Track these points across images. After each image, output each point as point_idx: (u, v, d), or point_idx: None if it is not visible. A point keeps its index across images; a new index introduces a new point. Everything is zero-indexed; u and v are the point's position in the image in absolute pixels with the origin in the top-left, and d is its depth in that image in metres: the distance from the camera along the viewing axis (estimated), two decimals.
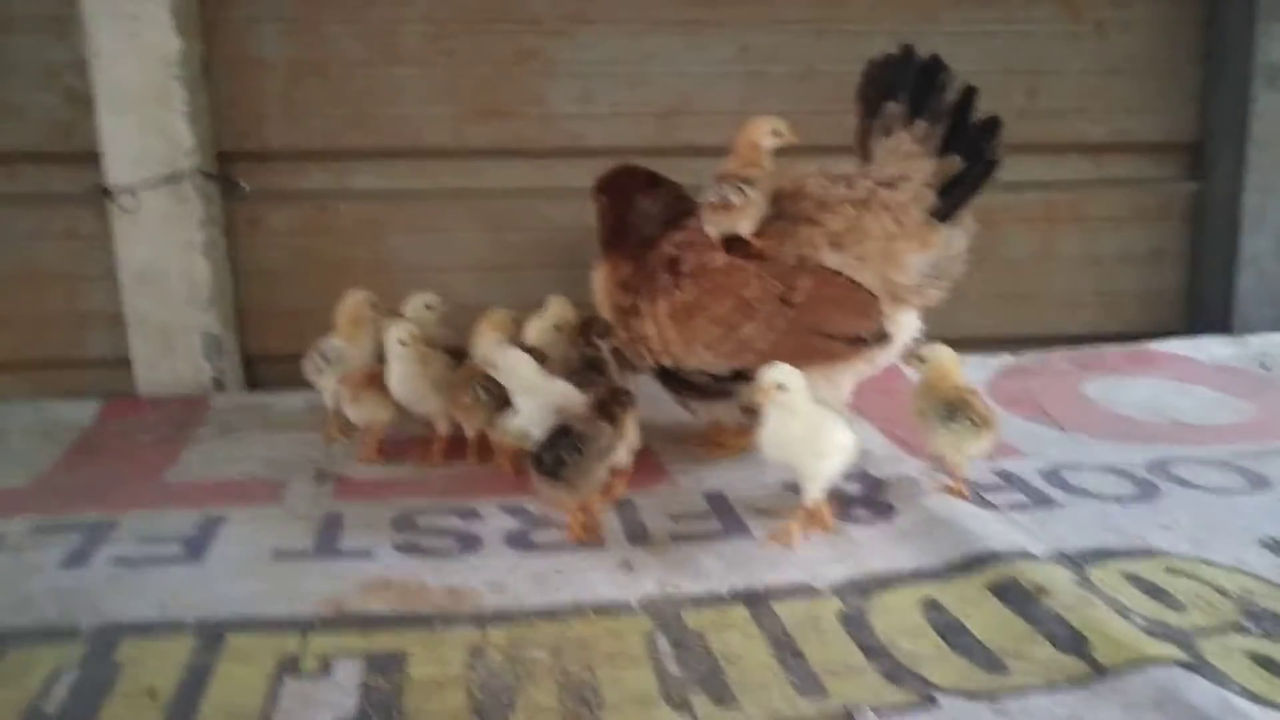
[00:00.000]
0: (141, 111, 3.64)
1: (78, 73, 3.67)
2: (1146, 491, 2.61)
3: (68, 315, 3.93)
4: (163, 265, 3.76)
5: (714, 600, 2.11)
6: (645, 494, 2.63)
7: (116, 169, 3.68)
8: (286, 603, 2.09)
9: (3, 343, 3.92)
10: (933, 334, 4.22)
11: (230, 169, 3.89)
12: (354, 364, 3.02)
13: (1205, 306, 4.23)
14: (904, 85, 2.73)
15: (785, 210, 2.74)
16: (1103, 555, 2.23)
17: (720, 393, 2.78)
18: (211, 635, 1.96)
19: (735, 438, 2.96)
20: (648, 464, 2.83)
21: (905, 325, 2.79)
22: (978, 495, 2.56)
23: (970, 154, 2.65)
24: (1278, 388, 3.43)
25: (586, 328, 2.91)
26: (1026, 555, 2.18)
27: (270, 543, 2.38)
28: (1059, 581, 2.06)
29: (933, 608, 2.04)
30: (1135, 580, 2.12)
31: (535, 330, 3.10)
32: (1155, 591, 2.07)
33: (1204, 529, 2.37)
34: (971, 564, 2.18)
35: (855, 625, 1.99)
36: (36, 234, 3.87)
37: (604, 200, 3.02)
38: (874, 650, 1.90)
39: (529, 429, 2.52)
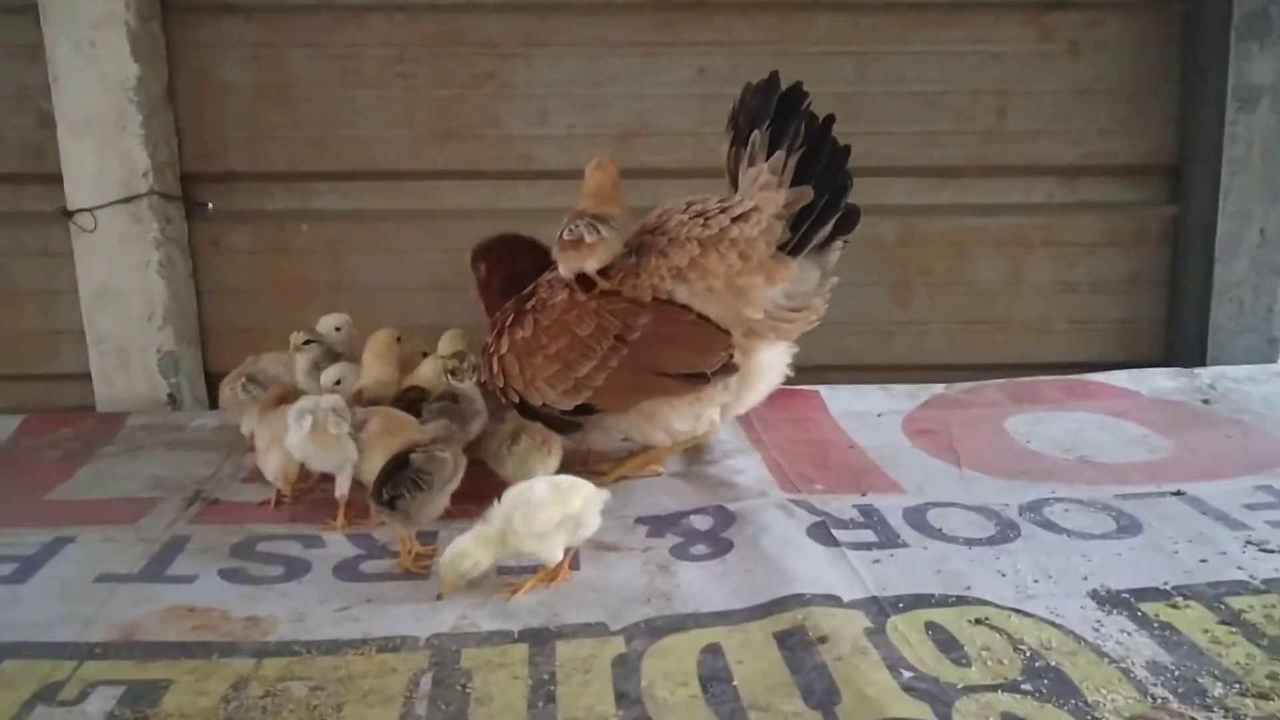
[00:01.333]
0: (99, 135, 3.77)
1: (48, 97, 3.81)
2: (1004, 535, 2.49)
3: (41, 331, 4.08)
4: (120, 284, 3.88)
5: (501, 638, 2.08)
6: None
7: (76, 190, 3.81)
8: (79, 628, 2.12)
9: None
10: (900, 360, 4.16)
11: (194, 190, 4.00)
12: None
13: (1182, 335, 4.03)
14: (767, 114, 2.69)
15: (643, 243, 2.74)
16: (917, 602, 2.13)
17: (570, 425, 2.79)
18: None
19: (614, 465, 2.96)
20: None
21: (770, 357, 2.77)
22: (826, 531, 2.48)
23: (822, 184, 2.63)
24: (1210, 424, 3.25)
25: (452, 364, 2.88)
26: (831, 600, 2.11)
27: (101, 566, 2.42)
28: (846, 630, 1.98)
29: (711, 653, 1.98)
30: (934, 630, 2.02)
31: (429, 367, 3.11)
32: (947, 644, 1.97)
33: (1039, 577, 2.26)
34: (772, 608, 2.11)
35: (625, 670, 1.94)
36: (11, 251, 4.04)
37: (481, 268, 3.07)
38: (628, 698, 1.85)
39: None
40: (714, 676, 1.89)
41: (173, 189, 3.93)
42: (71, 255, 3.92)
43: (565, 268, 2.72)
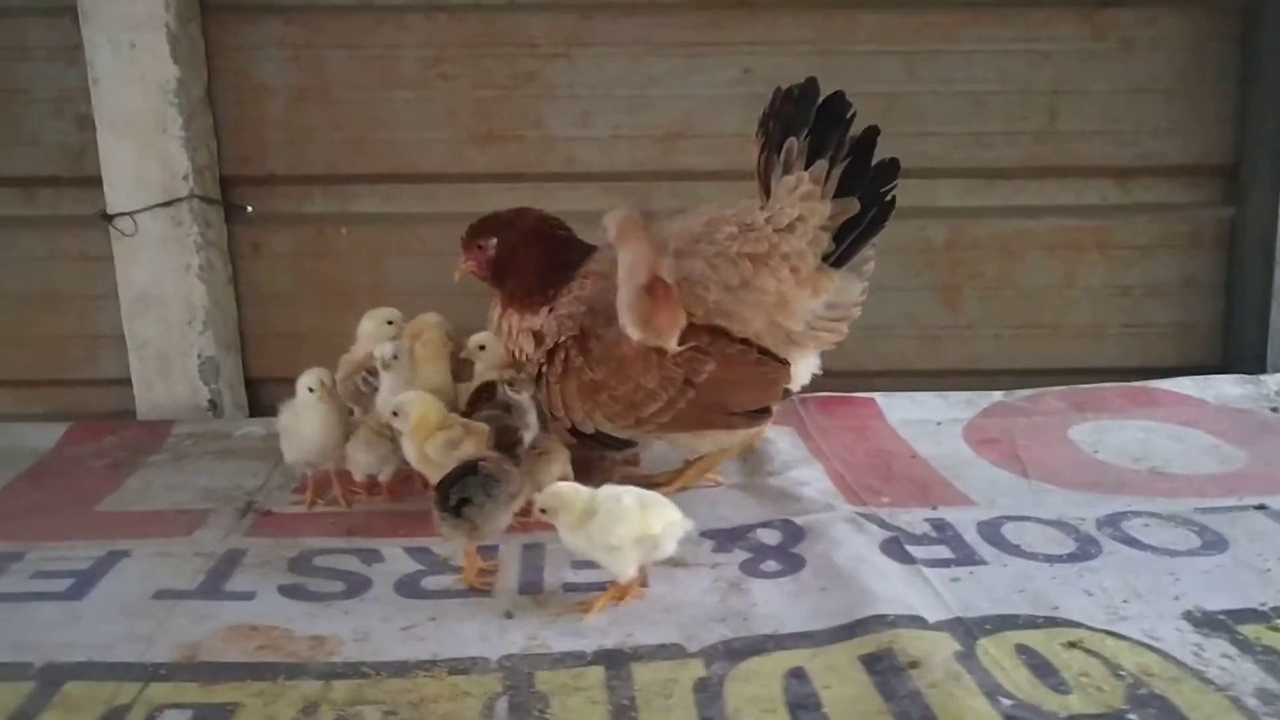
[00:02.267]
0: (139, 137, 3.72)
1: (87, 100, 3.77)
2: (1085, 551, 2.42)
3: (80, 335, 4.04)
4: (160, 289, 3.84)
5: (575, 660, 2.02)
6: (554, 537, 2.53)
7: (116, 194, 3.77)
8: (142, 648, 2.07)
9: (21, 362, 4.05)
10: (948, 365, 4.09)
11: (234, 193, 3.95)
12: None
13: (1240, 340, 3.94)
14: (805, 121, 2.63)
15: (689, 250, 2.72)
16: (1004, 623, 2.06)
17: (620, 444, 2.82)
18: (51, 681, 1.95)
19: (673, 476, 2.94)
20: None
21: (805, 365, 2.80)
22: (900, 547, 2.41)
23: (867, 197, 2.59)
24: None
25: (509, 374, 2.83)
26: (915, 621, 2.04)
27: (158, 581, 2.38)
28: (937, 654, 1.91)
29: (796, 677, 1.92)
30: (1026, 654, 1.95)
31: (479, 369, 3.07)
32: (1043, 669, 1.90)
33: (1129, 596, 2.18)
34: (855, 629, 2.04)
35: (708, 695, 1.88)
36: (50, 255, 4.00)
37: (505, 241, 2.92)
38: None
39: None
40: (801, 703, 1.83)
41: (212, 192, 3.89)
42: (110, 259, 3.89)
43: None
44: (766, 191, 2.74)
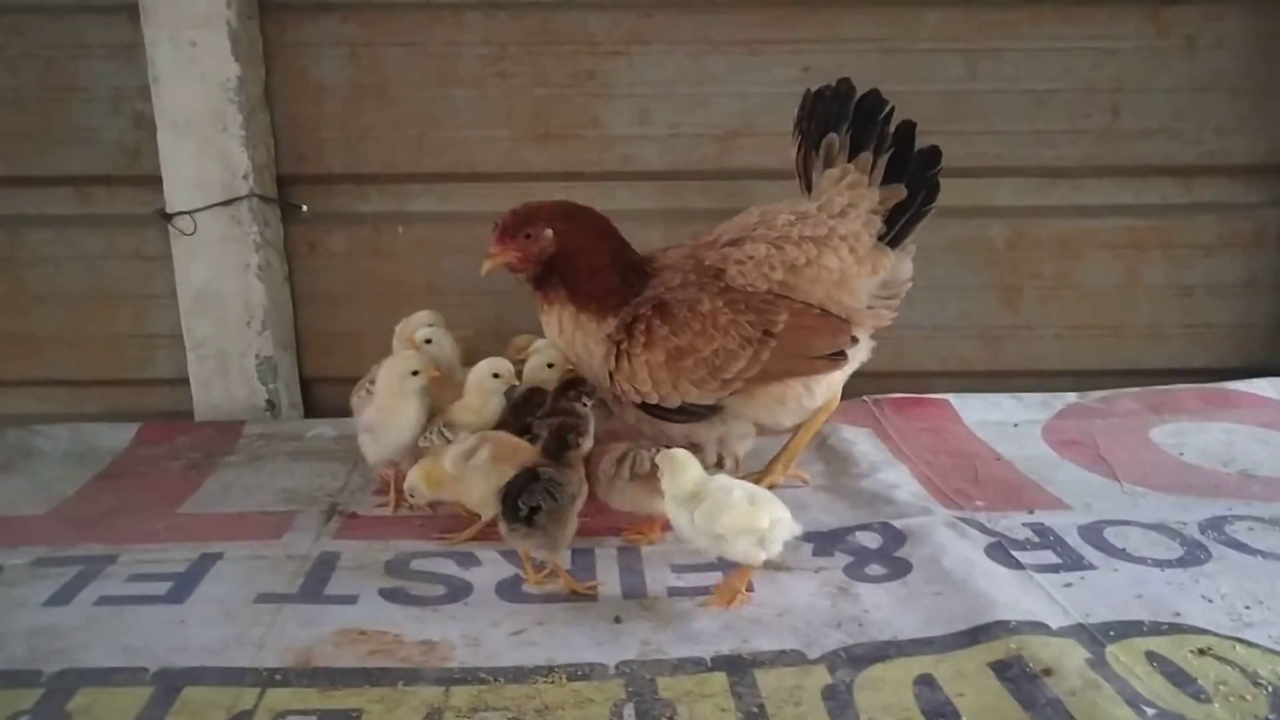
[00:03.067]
0: (199, 136, 3.70)
1: (144, 98, 3.75)
2: (1194, 555, 2.39)
3: (136, 335, 4.02)
4: (219, 288, 3.82)
5: (695, 666, 2.00)
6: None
7: (176, 192, 3.75)
8: (254, 652, 2.05)
9: (76, 361, 4.03)
10: (1008, 366, 4.06)
11: (290, 192, 3.93)
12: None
13: None
14: (844, 118, 2.84)
15: (746, 238, 2.84)
16: (1128, 630, 2.04)
17: (696, 417, 2.80)
18: (169, 686, 1.93)
19: (761, 474, 2.90)
20: None
21: (864, 345, 2.90)
22: (1005, 552, 2.38)
23: (913, 183, 2.79)
24: None
25: (570, 386, 2.74)
26: (1040, 627, 2.01)
27: (257, 585, 2.36)
28: (1069, 661, 1.89)
29: (927, 685, 1.89)
30: (1158, 661, 1.93)
31: (530, 369, 3.02)
32: (1178, 677, 1.88)
33: (1250, 602, 2.16)
34: (978, 635, 2.02)
35: (838, 703, 1.86)
36: (106, 255, 3.97)
37: (567, 234, 2.80)
38: None
39: None
40: (937, 711, 1.80)
41: (270, 191, 3.86)
42: (167, 258, 3.87)
43: None
44: (808, 187, 2.91)
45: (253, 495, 2.90)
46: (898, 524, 2.57)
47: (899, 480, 2.82)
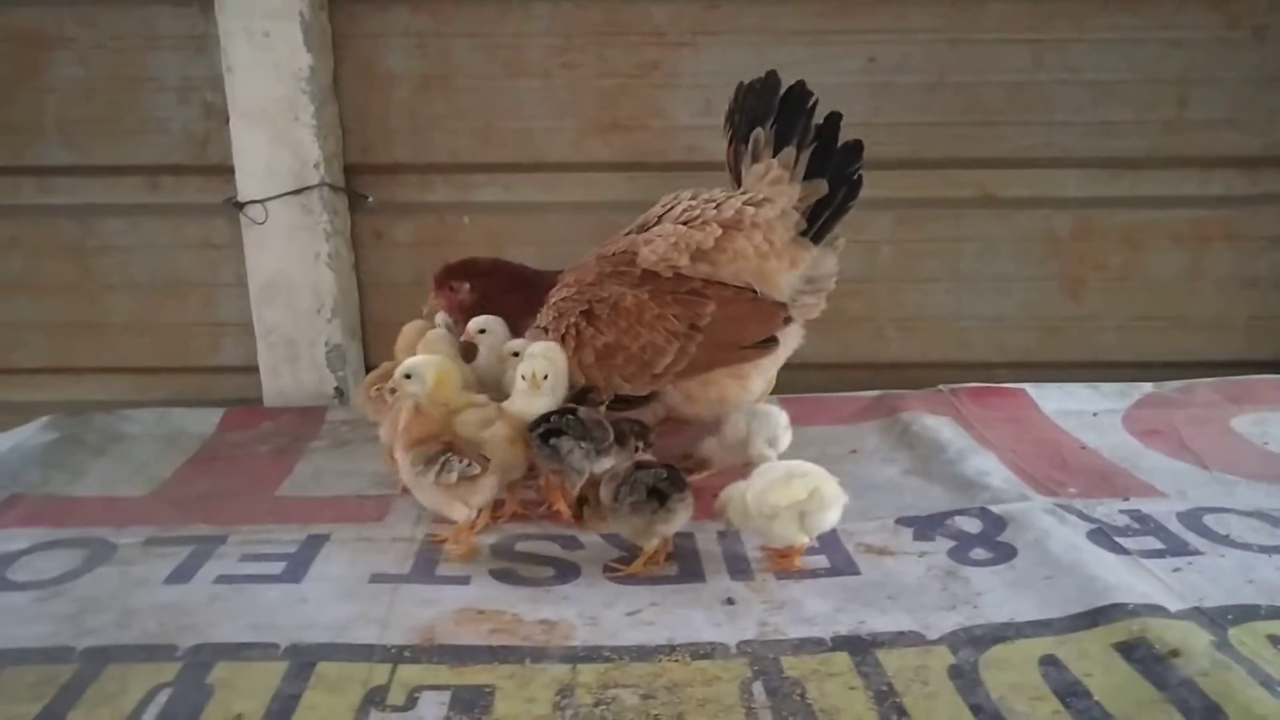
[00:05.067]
0: (272, 126, 3.73)
1: (214, 88, 3.78)
2: None
3: (203, 323, 4.05)
4: (289, 276, 3.85)
5: (816, 646, 2.01)
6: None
7: (247, 181, 3.78)
8: (379, 630, 2.07)
9: (143, 348, 4.07)
10: (1071, 357, 4.06)
11: (356, 181, 3.95)
12: None
13: None
14: (770, 112, 2.87)
15: (649, 224, 2.93)
16: (1246, 614, 2.03)
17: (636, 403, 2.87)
18: (302, 661, 1.96)
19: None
20: None
21: (794, 336, 2.93)
22: (1107, 538, 2.39)
23: (835, 178, 2.82)
24: None
25: (583, 395, 2.76)
26: (1159, 611, 2.02)
27: (368, 565, 2.38)
28: (1195, 643, 1.89)
29: (1053, 665, 1.90)
30: None
31: None
32: None
33: None
34: (1097, 617, 2.02)
35: (966, 682, 1.86)
36: (175, 244, 4.02)
37: (480, 288, 3.07)
38: (986, 711, 1.77)
39: None
40: (1069, 691, 1.81)
41: (339, 181, 3.89)
42: (235, 247, 3.91)
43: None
44: (738, 182, 2.94)
45: (345, 480, 2.92)
46: (996, 509, 2.58)
47: (989, 467, 2.82)
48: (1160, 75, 3.90)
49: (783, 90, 2.90)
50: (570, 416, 2.50)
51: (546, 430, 2.50)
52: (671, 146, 3.98)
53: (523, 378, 2.61)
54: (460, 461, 2.37)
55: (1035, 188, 3.99)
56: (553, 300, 2.91)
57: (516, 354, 2.81)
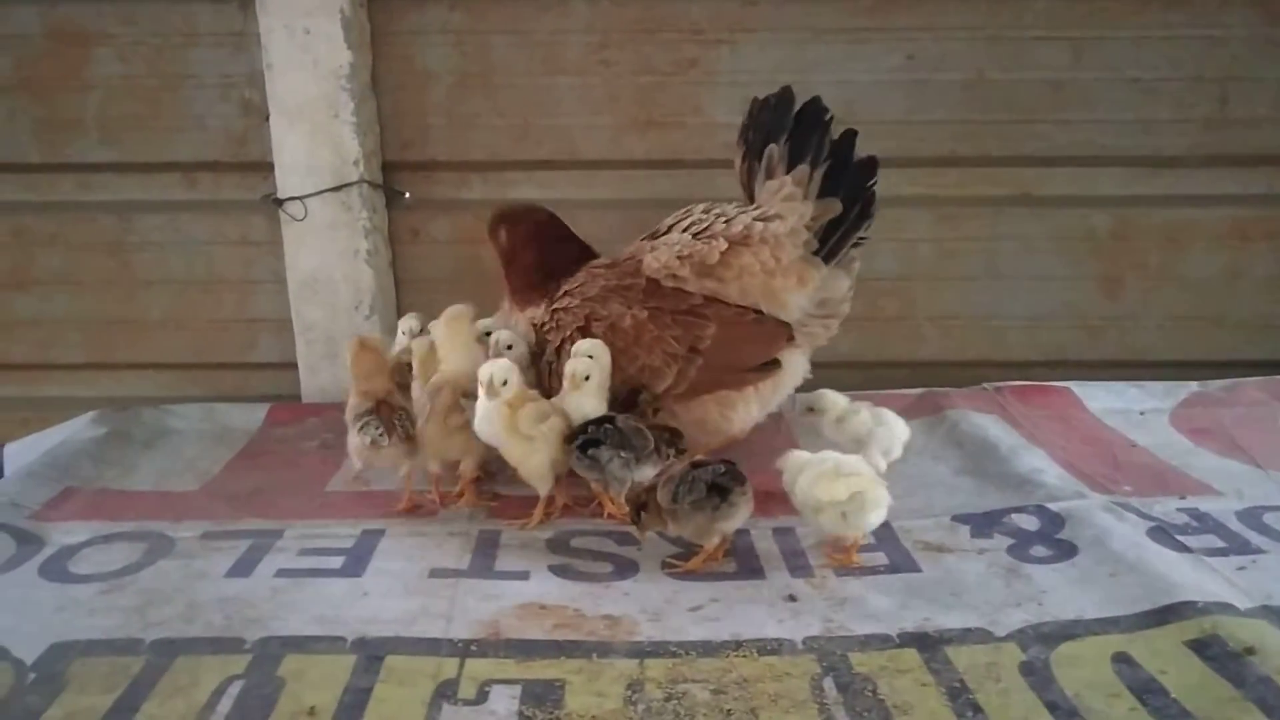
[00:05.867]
0: (312, 122, 3.73)
1: (252, 85, 3.79)
2: None
3: (239, 319, 4.06)
4: (328, 273, 3.85)
5: (883, 642, 2.01)
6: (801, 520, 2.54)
7: (287, 178, 3.78)
8: (444, 624, 2.08)
9: (180, 344, 4.08)
10: (1109, 356, 4.05)
11: (394, 179, 3.95)
12: None
13: None
14: (784, 128, 2.82)
15: (660, 236, 2.87)
16: None
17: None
18: (370, 655, 1.96)
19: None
20: None
21: (799, 363, 2.86)
22: (1168, 536, 2.38)
23: (849, 195, 2.75)
24: None
25: (632, 398, 2.75)
26: (1228, 608, 2.01)
27: (426, 560, 2.39)
28: (1270, 640, 1.89)
29: (1125, 663, 1.90)
30: None
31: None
32: None
33: None
34: (1166, 615, 2.02)
35: (1039, 679, 1.86)
36: (212, 240, 4.01)
37: (502, 234, 3.07)
38: (1062, 708, 1.77)
39: None
40: (1145, 688, 1.81)
41: (378, 178, 3.89)
42: (272, 244, 3.91)
43: None
44: (751, 198, 2.88)
45: (393, 476, 2.91)
46: (1053, 507, 2.57)
47: (1041, 465, 2.82)
48: (1201, 73, 3.88)
49: (797, 106, 2.86)
50: (608, 426, 2.49)
51: (585, 441, 2.49)
52: (708, 144, 3.96)
53: (568, 377, 2.60)
54: (376, 428, 2.46)
55: (1074, 186, 3.97)
56: (552, 306, 2.87)
57: (488, 334, 2.85)
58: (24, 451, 3.14)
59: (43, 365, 4.08)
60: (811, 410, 2.73)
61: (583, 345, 2.68)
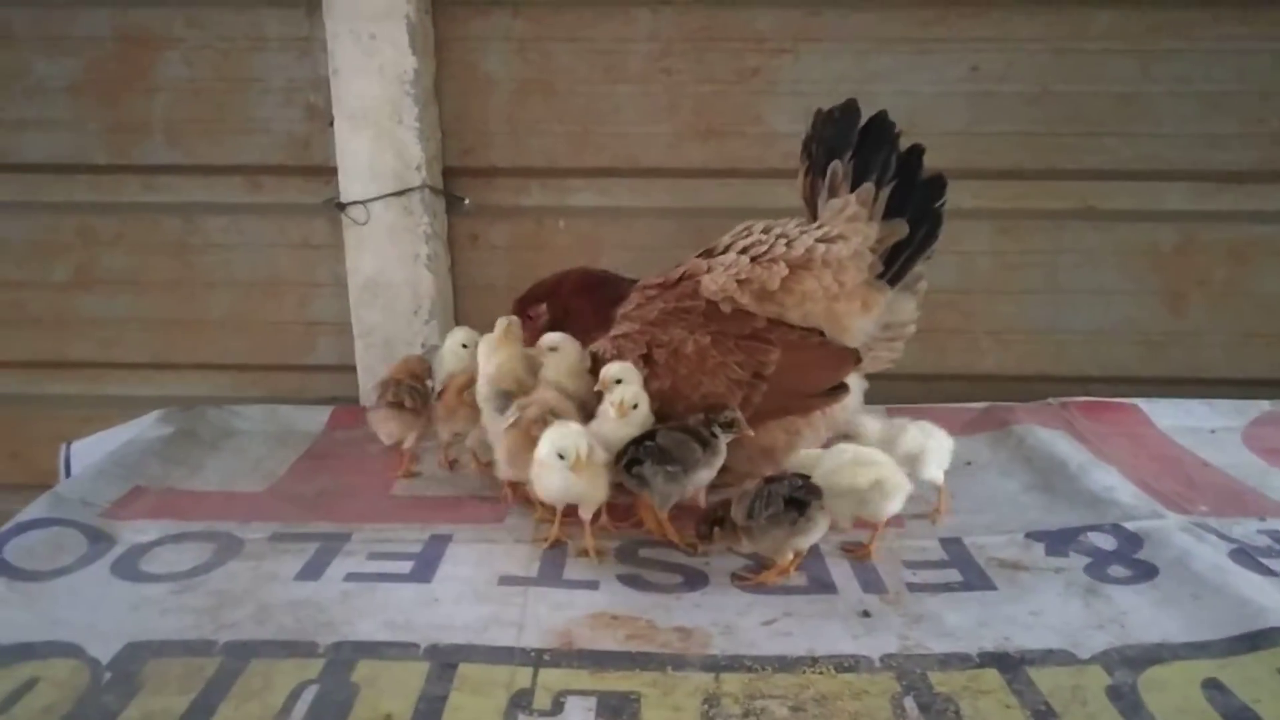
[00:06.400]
0: (375, 127, 3.75)
1: (316, 89, 3.81)
2: None
3: (299, 322, 4.09)
4: (389, 277, 3.87)
5: (962, 662, 1.98)
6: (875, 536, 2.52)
7: (350, 182, 3.80)
8: (515, 633, 2.07)
9: (241, 346, 4.11)
10: (1171, 373, 3.98)
11: (453, 184, 3.97)
12: None
13: None
14: (849, 144, 2.73)
15: (717, 256, 2.79)
16: None
17: None
18: (444, 663, 1.96)
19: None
20: None
21: (859, 388, 2.78)
22: (1251, 559, 2.33)
23: (916, 215, 2.67)
24: None
25: (711, 411, 2.61)
26: None
27: (495, 567, 2.39)
28: None
29: (1217, 689, 1.86)
30: None
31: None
32: None
33: None
34: (1256, 640, 1.98)
35: (1127, 704, 1.83)
36: (275, 243, 4.04)
37: (554, 306, 3.02)
38: None
39: None
40: (1238, 716, 1.77)
41: (439, 183, 3.90)
42: (333, 247, 3.93)
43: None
44: (813, 214, 2.80)
45: (457, 481, 2.94)
46: (1129, 526, 2.53)
47: (1113, 483, 2.77)
48: (1271, 87, 3.82)
49: (863, 120, 2.78)
50: (648, 443, 2.46)
51: (629, 460, 2.45)
52: (768, 153, 3.95)
53: (610, 404, 2.56)
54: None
55: (1139, 200, 3.92)
56: (613, 334, 2.82)
57: (554, 349, 2.78)
58: (91, 449, 3.17)
59: (106, 364, 4.12)
60: (848, 439, 2.63)
61: (612, 369, 2.64)
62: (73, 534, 2.56)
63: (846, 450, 2.39)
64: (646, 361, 2.68)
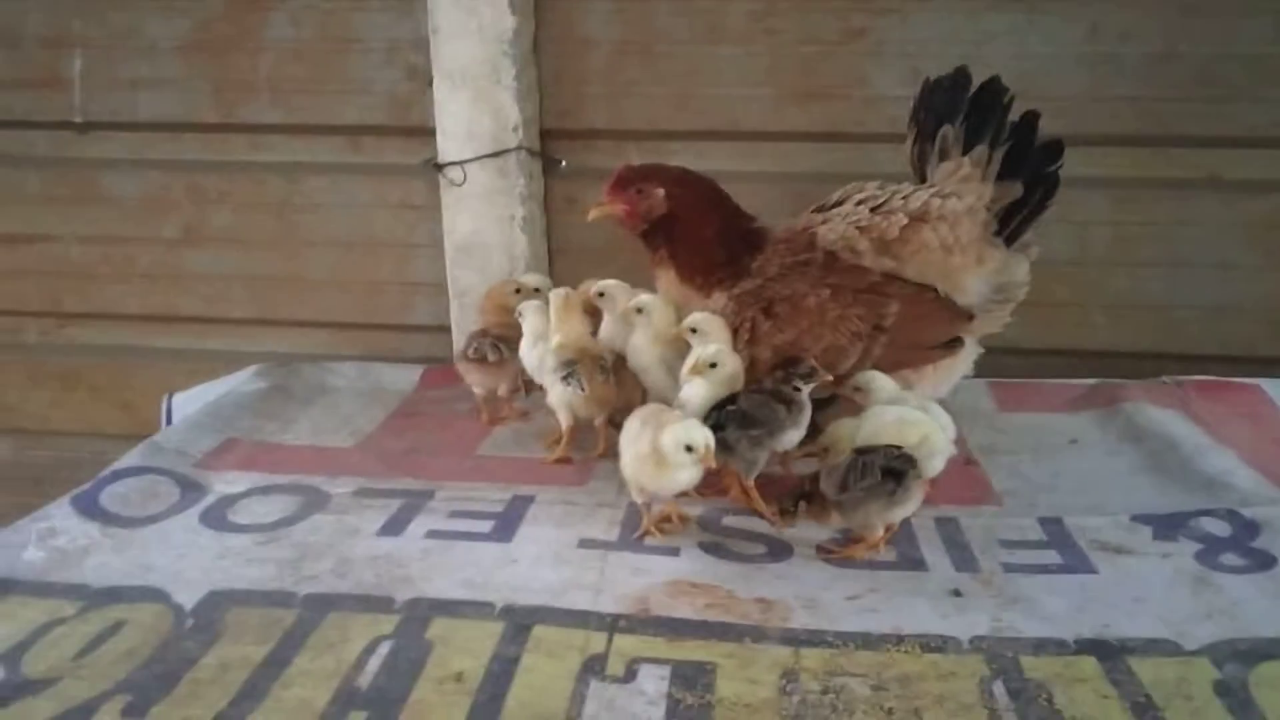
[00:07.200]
0: (474, 88, 3.73)
1: (417, 50, 3.81)
2: None
3: (397, 282, 4.11)
4: (484, 238, 3.86)
5: (1058, 648, 1.88)
6: (971, 513, 2.43)
7: (448, 143, 3.80)
8: (592, 596, 2.04)
9: (340, 304, 4.16)
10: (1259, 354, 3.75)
11: (551, 146, 3.93)
12: None
13: None
14: (959, 110, 2.70)
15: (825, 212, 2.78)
16: None
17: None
18: (518, 624, 1.94)
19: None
20: (972, 479, 2.64)
21: (971, 350, 2.76)
22: None
23: (1031, 178, 2.63)
24: None
25: (788, 366, 2.55)
26: None
27: (575, 529, 2.36)
28: None
29: None
30: None
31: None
32: None
33: None
34: None
35: (1235, 701, 1.71)
36: (373, 204, 4.07)
37: (679, 199, 2.82)
38: None
39: None
40: None
41: (535, 145, 3.87)
42: (431, 208, 3.94)
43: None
44: (922, 181, 2.78)
45: (543, 441, 2.91)
46: (1246, 513, 2.38)
47: (1230, 466, 2.62)
48: None
49: (974, 87, 2.73)
50: (729, 408, 2.41)
51: (711, 426, 2.35)
52: (873, 117, 3.82)
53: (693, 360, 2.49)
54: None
55: (1268, 170, 3.69)
56: (733, 292, 2.73)
57: (640, 310, 2.71)
58: (190, 401, 3.25)
59: (210, 319, 4.22)
60: (859, 390, 2.55)
61: (691, 319, 2.61)
62: (167, 483, 2.62)
63: (888, 411, 2.35)
64: (767, 315, 2.64)
